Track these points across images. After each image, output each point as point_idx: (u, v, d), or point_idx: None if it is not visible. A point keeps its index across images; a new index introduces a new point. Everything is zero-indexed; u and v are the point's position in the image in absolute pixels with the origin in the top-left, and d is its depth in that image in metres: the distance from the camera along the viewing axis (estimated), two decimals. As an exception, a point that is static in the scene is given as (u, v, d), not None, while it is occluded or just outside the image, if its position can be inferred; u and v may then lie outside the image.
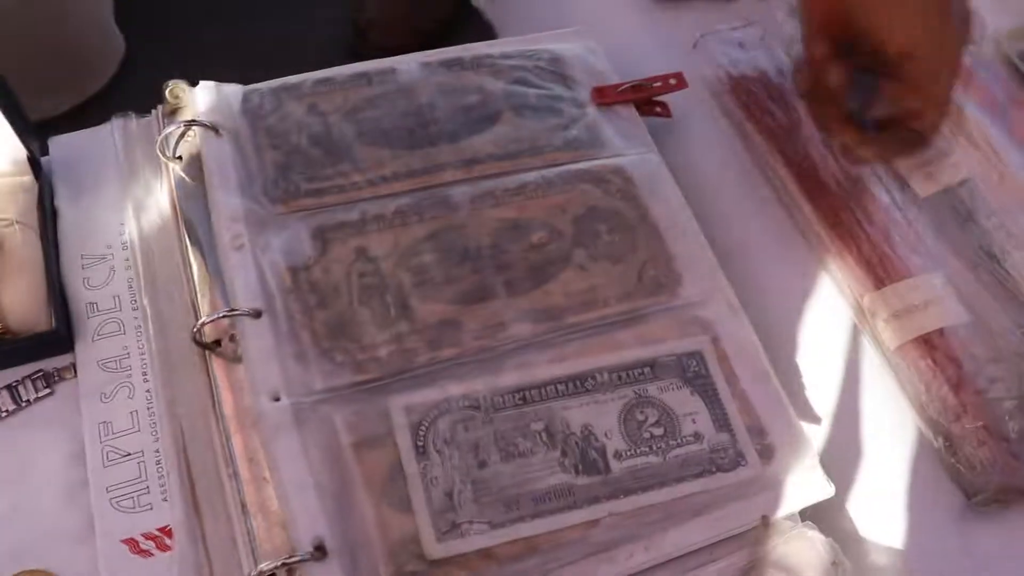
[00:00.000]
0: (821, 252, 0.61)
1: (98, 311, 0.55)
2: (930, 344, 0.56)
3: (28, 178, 0.57)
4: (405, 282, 0.54)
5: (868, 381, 0.58)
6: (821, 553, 0.50)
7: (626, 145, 0.62)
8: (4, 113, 0.53)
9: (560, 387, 0.51)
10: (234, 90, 0.60)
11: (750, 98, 0.66)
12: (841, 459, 0.54)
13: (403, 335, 0.52)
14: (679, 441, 0.51)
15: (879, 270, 0.59)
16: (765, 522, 0.50)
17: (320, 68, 0.62)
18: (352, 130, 0.59)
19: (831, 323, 0.60)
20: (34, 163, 0.58)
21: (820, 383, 0.57)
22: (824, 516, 0.52)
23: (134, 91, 0.60)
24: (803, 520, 0.51)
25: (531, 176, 0.59)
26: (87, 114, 0.61)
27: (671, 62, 0.67)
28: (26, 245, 0.54)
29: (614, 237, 0.57)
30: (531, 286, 0.55)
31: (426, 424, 0.49)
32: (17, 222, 0.54)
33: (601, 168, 0.60)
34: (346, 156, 0.58)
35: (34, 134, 0.58)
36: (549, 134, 0.61)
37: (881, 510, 0.53)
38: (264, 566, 0.45)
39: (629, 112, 0.64)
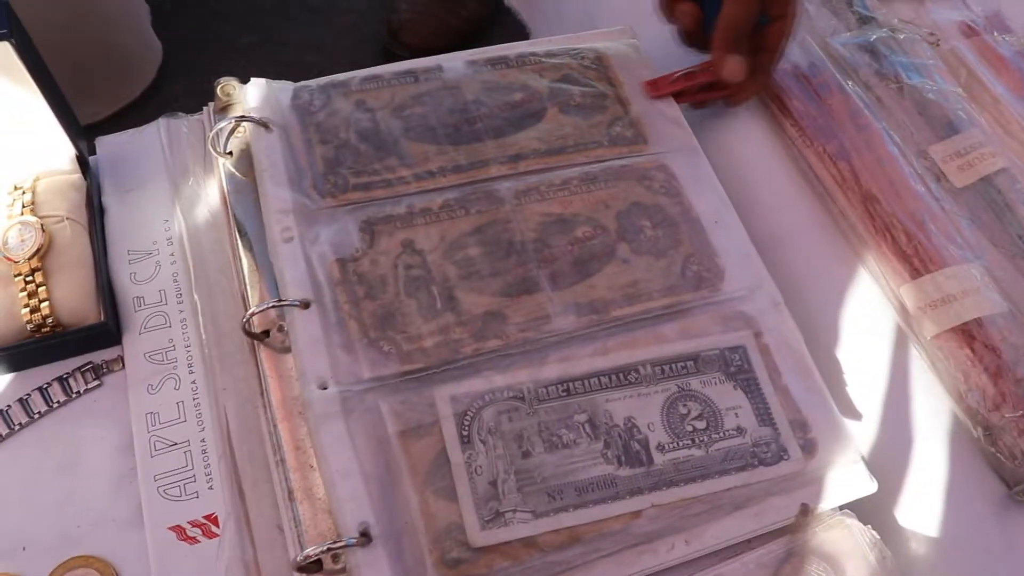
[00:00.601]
0: (857, 244, 0.62)
1: (144, 305, 0.56)
2: (968, 334, 0.56)
3: (77, 176, 0.59)
4: (451, 274, 0.54)
5: (906, 371, 0.58)
6: (860, 541, 0.50)
7: (669, 142, 0.62)
8: (55, 114, 0.55)
9: (603, 379, 0.52)
10: (284, 87, 0.61)
11: (783, 91, 0.67)
12: (880, 449, 0.54)
13: (449, 326, 0.52)
14: (722, 435, 0.51)
15: (915, 260, 0.59)
16: (804, 511, 0.50)
17: (353, 70, 0.63)
18: (399, 126, 0.60)
19: (869, 314, 0.60)
20: (82, 162, 0.59)
21: (858, 374, 0.57)
22: (862, 505, 0.52)
23: (171, 96, 0.62)
24: (841, 509, 0.51)
25: (575, 172, 0.59)
26: (125, 119, 0.62)
27: (705, 59, 0.67)
28: (76, 241, 0.55)
29: (657, 232, 0.57)
30: (575, 280, 0.55)
31: (471, 414, 0.50)
32: (67, 218, 0.55)
33: (644, 164, 0.60)
34: (393, 151, 0.59)
35: (82, 134, 0.59)
36: (593, 131, 0.62)
37: (920, 500, 0.53)
38: (310, 551, 0.46)
39: (672, 110, 0.64)
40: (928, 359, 0.57)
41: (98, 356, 0.55)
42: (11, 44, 0.49)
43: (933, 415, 0.56)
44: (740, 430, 0.51)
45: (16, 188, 0.56)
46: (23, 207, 0.55)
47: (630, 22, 0.70)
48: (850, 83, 0.67)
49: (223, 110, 0.60)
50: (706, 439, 0.51)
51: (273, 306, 0.51)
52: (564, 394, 0.51)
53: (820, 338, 0.58)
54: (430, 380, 0.51)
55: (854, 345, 0.58)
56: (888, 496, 0.53)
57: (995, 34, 0.72)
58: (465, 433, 0.49)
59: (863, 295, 0.60)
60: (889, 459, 0.54)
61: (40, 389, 0.53)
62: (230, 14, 1.42)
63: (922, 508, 0.53)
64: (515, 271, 0.55)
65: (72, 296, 0.54)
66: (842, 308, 0.60)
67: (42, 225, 0.54)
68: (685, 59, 0.67)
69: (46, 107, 0.54)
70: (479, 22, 1.46)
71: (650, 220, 0.58)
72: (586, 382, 0.52)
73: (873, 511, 0.52)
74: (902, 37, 0.70)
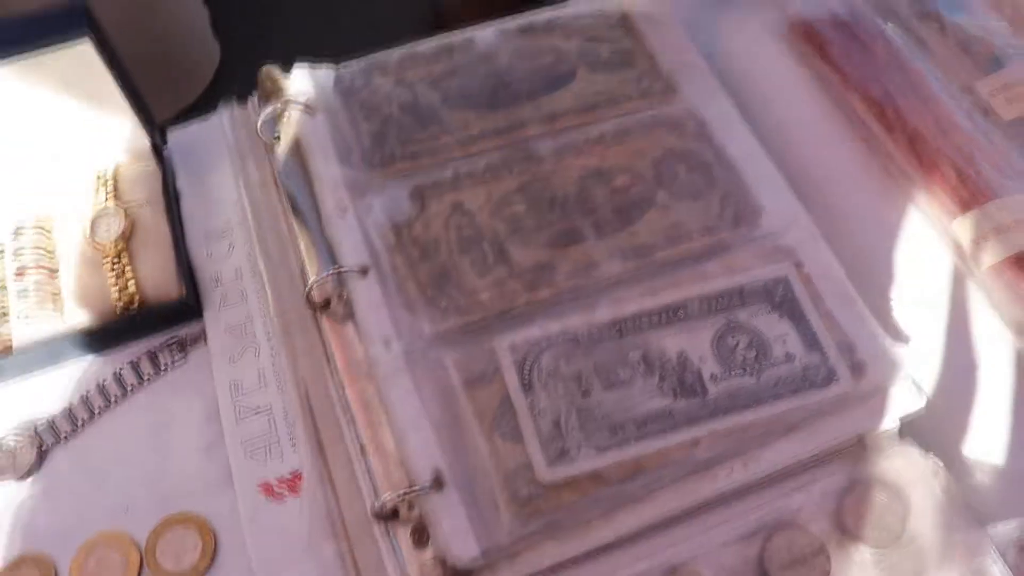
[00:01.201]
0: (905, 183, 0.62)
1: (222, 282, 0.60)
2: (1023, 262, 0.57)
3: (153, 165, 0.62)
4: (500, 230, 0.57)
5: (963, 304, 0.58)
6: (923, 469, 0.51)
7: (697, 91, 0.64)
8: (132, 107, 0.58)
9: (653, 318, 0.54)
10: (325, 71, 0.64)
11: (823, 40, 0.68)
12: (941, 380, 0.55)
13: (502, 279, 0.55)
14: (771, 362, 0.53)
15: (965, 194, 0.59)
16: (862, 441, 0.52)
17: (406, 49, 0.66)
18: (438, 97, 0.63)
19: (920, 250, 0.61)
20: (157, 151, 0.63)
21: (913, 307, 0.58)
22: (923, 434, 0.53)
23: (229, 96, 0.65)
24: (903, 438, 0.52)
25: (609, 126, 0.62)
26: (190, 119, 0.65)
27: (741, 15, 0.69)
28: (156, 224, 0.59)
29: (693, 176, 0.59)
30: (618, 227, 0.57)
31: (530, 360, 0.52)
32: (147, 203, 0.59)
33: (675, 113, 0.62)
34: (434, 121, 0.61)
35: (156, 126, 0.63)
36: (624, 86, 0.64)
37: (983, 429, 0.54)
38: (387, 496, 0.48)
39: (697, 59, 0.66)
40: (984, 291, 0.58)
41: (182, 331, 0.58)
42: (91, 40, 0.52)
43: (991, 345, 0.57)
44: (789, 356, 0.53)
45: (99, 177, 0.61)
46: (107, 194, 0.59)
47: None
48: (890, 25, 0.68)
49: (268, 98, 0.63)
50: (757, 367, 0.53)
51: (333, 273, 0.54)
52: (617, 335, 0.53)
53: (871, 273, 0.59)
54: (489, 331, 0.53)
55: (906, 279, 0.59)
56: (946, 424, 0.54)
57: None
58: (526, 379, 0.52)
59: (913, 232, 0.61)
60: (947, 389, 0.55)
61: (132, 363, 0.57)
62: (282, 10, 1.45)
63: (984, 437, 0.54)
64: (560, 223, 0.57)
65: (155, 275, 0.58)
66: (893, 245, 0.61)
67: (125, 211, 0.58)
68: (714, 18, 0.69)
69: (124, 101, 0.57)
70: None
71: (685, 165, 0.60)
72: (637, 321, 0.54)
73: (933, 439, 0.53)
74: (942, -28, 0.70)
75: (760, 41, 0.69)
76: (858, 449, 0.52)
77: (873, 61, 0.66)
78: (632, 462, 0.50)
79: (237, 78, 0.63)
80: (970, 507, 0.50)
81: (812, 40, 0.68)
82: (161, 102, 1.31)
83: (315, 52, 0.65)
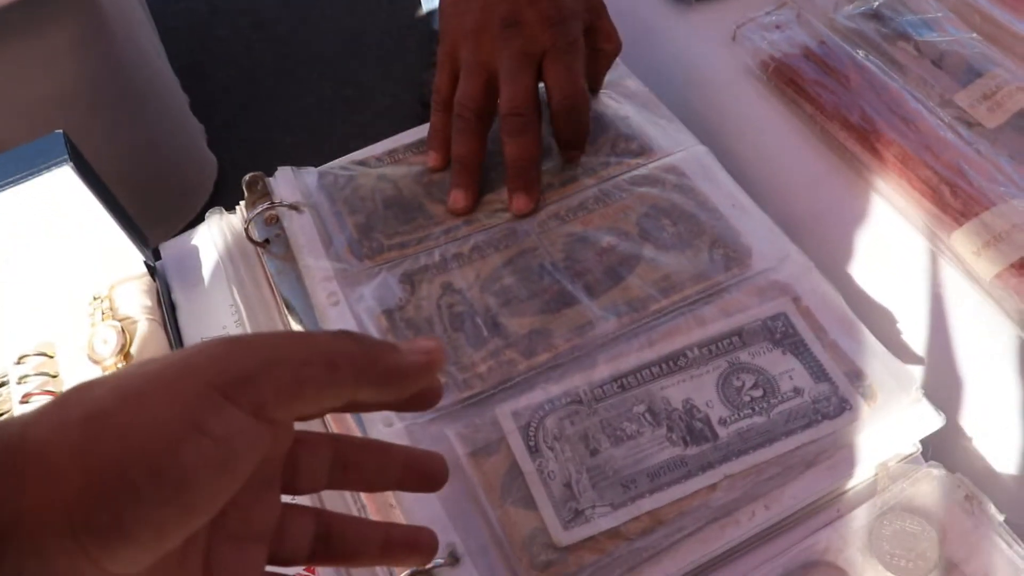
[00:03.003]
0: (900, 204, 0.62)
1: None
2: (1029, 266, 0.56)
3: (147, 279, 0.64)
4: (491, 304, 0.57)
5: (969, 315, 0.58)
6: (950, 490, 0.49)
7: (671, 145, 0.65)
8: (122, 228, 0.60)
9: (654, 369, 0.53)
10: (308, 171, 0.65)
11: (796, 74, 0.69)
12: (956, 395, 0.54)
13: (499, 350, 0.55)
14: (780, 398, 0.52)
15: (959, 206, 0.59)
16: (885, 468, 0.50)
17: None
18: (420, 191, 0.64)
19: (921, 268, 0.60)
20: (150, 268, 0.64)
21: (921, 328, 0.58)
22: (949, 454, 0.51)
23: (229, 207, 0.67)
24: (927, 461, 0.51)
25: (590, 192, 0.62)
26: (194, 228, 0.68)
27: (713, 58, 0.70)
28: (153, 337, 0.60)
29: (679, 227, 0.59)
30: (609, 285, 0.57)
31: (534, 424, 0.51)
32: (143, 318, 0.60)
33: (653, 170, 0.63)
34: (420, 213, 0.62)
35: (147, 243, 0.64)
36: (599, 152, 0.65)
37: (1006, 439, 0.53)
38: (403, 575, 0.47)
39: (666, 113, 0.67)
40: (993, 300, 0.57)
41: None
42: (71, 166, 0.54)
43: (1007, 353, 0.56)
44: (797, 391, 0.52)
45: (95, 298, 0.62)
46: (103, 314, 0.60)
47: (635, 33, 0.73)
48: (861, 52, 0.69)
49: (255, 202, 0.64)
50: (765, 405, 0.52)
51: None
52: (619, 390, 0.53)
53: (874, 297, 0.59)
54: (490, 401, 0.53)
55: (911, 299, 0.59)
56: (974, 442, 0.53)
57: (1004, -26, 0.72)
58: (532, 443, 0.51)
59: (913, 251, 0.61)
60: (970, 404, 0.54)
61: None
62: (275, 120, 1.50)
63: (1012, 449, 0.52)
64: (551, 290, 0.57)
65: (153, 386, 0.58)
66: (893, 266, 0.61)
67: (122, 327, 0.59)
68: (686, 61, 0.70)
69: (114, 223, 0.59)
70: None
71: (669, 218, 0.60)
72: (638, 375, 0.53)
73: (962, 458, 0.52)
74: (905, -4, 0.72)
75: (735, 80, 0.70)
76: (881, 477, 0.50)
77: (848, 88, 0.66)
78: (649, 516, 0.48)
79: (235, 188, 0.65)
80: (1008, 524, 0.48)
81: (785, 74, 0.69)
82: (162, 219, 1.36)
83: (312, 158, 0.67)
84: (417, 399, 0.38)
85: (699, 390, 0.52)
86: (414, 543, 0.39)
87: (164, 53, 1.40)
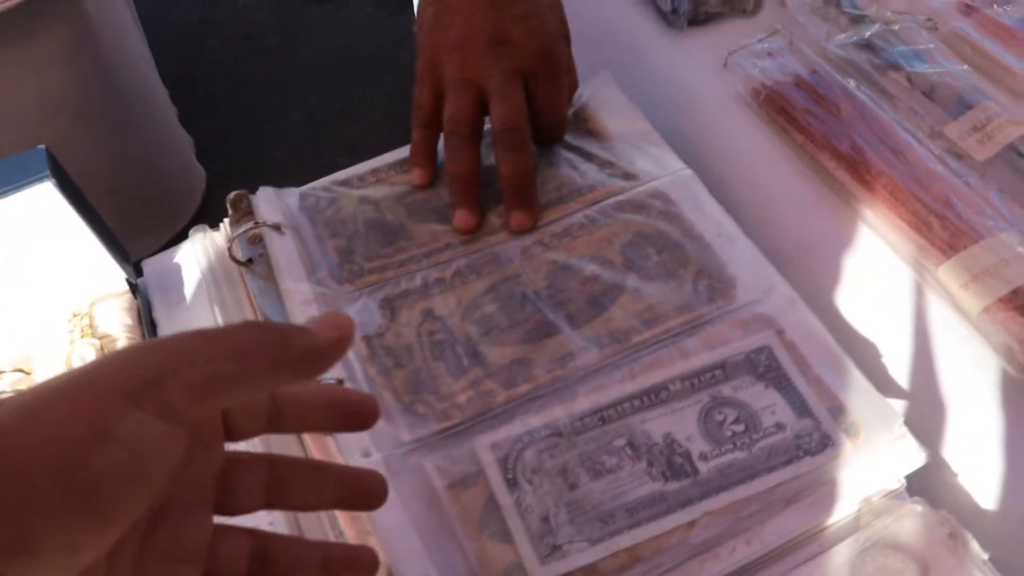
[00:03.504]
0: (885, 236, 0.62)
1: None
2: (1017, 300, 0.55)
3: (128, 297, 0.63)
4: (472, 333, 0.56)
5: (957, 349, 0.57)
6: (934, 526, 0.49)
7: (658, 170, 0.64)
8: (104, 244, 0.59)
9: (635, 402, 0.53)
10: (290, 192, 0.65)
11: (787, 103, 0.68)
12: (942, 430, 0.54)
13: (479, 380, 0.54)
14: (762, 434, 0.51)
15: (947, 237, 0.59)
16: (868, 504, 0.50)
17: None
18: (403, 212, 0.63)
19: (908, 301, 0.60)
20: (131, 285, 0.64)
21: (907, 361, 0.57)
22: (933, 490, 0.51)
23: (217, 220, 0.66)
24: (911, 497, 0.50)
25: (575, 218, 0.62)
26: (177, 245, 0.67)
27: (704, 84, 0.70)
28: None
29: (663, 256, 0.59)
30: (592, 315, 0.57)
31: (513, 457, 0.51)
32: (123, 337, 0.59)
33: (639, 195, 0.62)
34: (401, 235, 0.62)
35: (129, 260, 0.64)
36: (585, 177, 0.64)
37: (991, 475, 0.52)
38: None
39: (655, 138, 0.67)
40: (979, 334, 0.57)
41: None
42: (53, 182, 0.53)
43: (994, 388, 0.55)
44: (779, 426, 0.51)
45: (75, 315, 0.61)
46: (82, 332, 0.59)
47: (627, 59, 0.75)
48: (852, 82, 0.69)
49: (239, 221, 0.63)
50: (747, 440, 0.51)
51: (308, 389, 0.54)
52: (600, 423, 0.52)
53: (860, 330, 0.58)
54: (468, 432, 0.52)
55: (898, 333, 0.58)
56: (960, 477, 0.52)
57: (995, 7, 0.73)
58: (510, 476, 0.50)
59: (900, 284, 0.61)
60: (955, 439, 0.54)
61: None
62: (265, 132, 1.49)
63: (997, 484, 0.52)
64: (532, 319, 0.57)
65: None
66: (881, 299, 0.60)
67: (101, 345, 0.58)
68: (678, 87, 0.70)
69: (95, 240, 0.58)
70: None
71: (654, 246, 0.59)
72: (619, 408, 0.52)
73: (946, 495, 0.52)
74: (897, 28, 0.72)
75: (725, 106, 0.69)
76: (864, 513, 0.50)
77: (838, 117, 0.66)
78: (626, 552, 0.48)
79: (223, 201, 0.64)
80: (992, 563, 0.48)
81: (776, 103, 0.69)
82: (149, 231, 1.34)
83: (301, 171, 0.67)
84: (354, 417, 0.39)
85: (680, 424, 0.52)
86: (353, 562, 0.39)
87: (154, 63, 1.39)
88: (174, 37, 1.65)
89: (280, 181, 0.65)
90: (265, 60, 1.60)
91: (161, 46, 1.35)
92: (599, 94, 0.70)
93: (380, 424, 0.52)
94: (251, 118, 1.56)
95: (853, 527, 0.50)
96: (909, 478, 0.51)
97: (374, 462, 0.51)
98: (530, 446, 0.51)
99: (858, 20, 0.73)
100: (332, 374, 0.54)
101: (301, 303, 0.58)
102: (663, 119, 0.68)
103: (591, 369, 0.54)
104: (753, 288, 0.57)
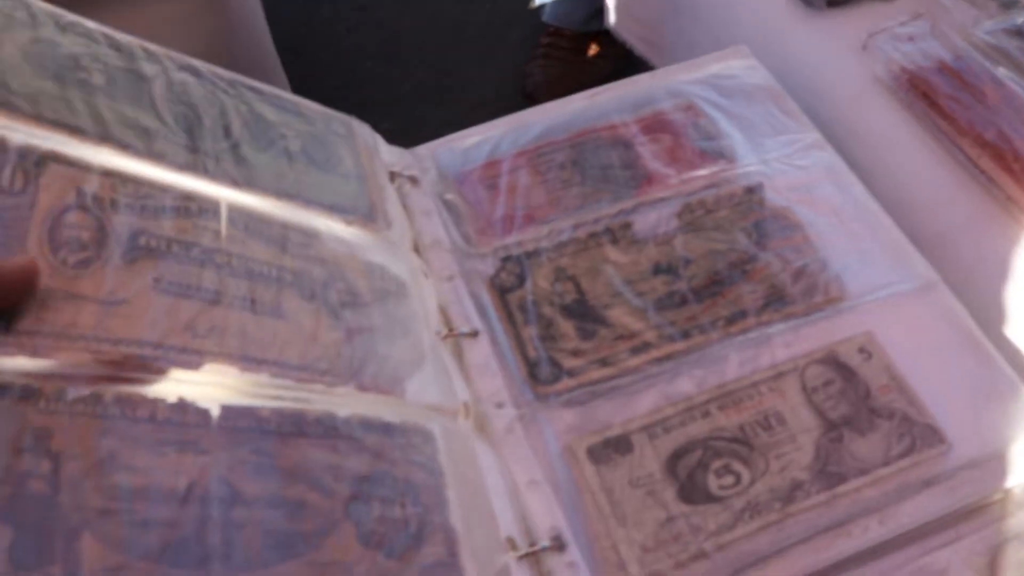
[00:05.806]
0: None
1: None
2: None
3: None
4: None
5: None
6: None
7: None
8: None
9: (762, 387, 0.53)
10: (425, 148, 0.66)
11: (930, 87, 0.67)
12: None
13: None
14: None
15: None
16: (1008, 494, 0.49)
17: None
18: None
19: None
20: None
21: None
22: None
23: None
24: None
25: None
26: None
27: (842, 67, 0.69)
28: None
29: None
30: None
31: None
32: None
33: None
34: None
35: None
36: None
37: None
38: (509, 556, 0.47)
39: (792, 107, 0.67)
40: None
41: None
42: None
43: None
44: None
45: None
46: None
47: (764, 43, 0.73)
48: (1001, 69, 0.67)
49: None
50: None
51: (446, 337, 0.54)
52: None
53: (1001, 318, 0.57)
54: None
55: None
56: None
57: None
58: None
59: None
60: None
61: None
62: (372, 103, 1.50)
63: None
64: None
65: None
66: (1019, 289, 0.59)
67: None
68: (816, 70, 0.69)
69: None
70: (608, 77, 1.52)
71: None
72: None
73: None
74: (1052, 15, 0.69)
75: (863, 89, 0.68)
76: (1004, 503, 0.49)
77: (985, 104, 0.64)
78: (762, 519, 0.48)
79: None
80: None
81: (918, 88, 0.67)
82: None
83: (406, 144, 0.67)
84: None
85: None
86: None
87: (269, 32, 1.41)
88: (288, 5, 1.67)
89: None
90: (376, 32, 1.61)
91: (275, 15, 1.37)
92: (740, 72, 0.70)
93: (514, 377, 0.53)
94: (358, 89, 1.57)
95: (989, 517, 0.49)
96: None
97: (507, 414, 0.51)
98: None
99: (1009, 6, 0.71)
100: (468, 325, 0.55)
101: (437, 252, 0.59)
102: (797, 98, 0.68)
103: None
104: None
